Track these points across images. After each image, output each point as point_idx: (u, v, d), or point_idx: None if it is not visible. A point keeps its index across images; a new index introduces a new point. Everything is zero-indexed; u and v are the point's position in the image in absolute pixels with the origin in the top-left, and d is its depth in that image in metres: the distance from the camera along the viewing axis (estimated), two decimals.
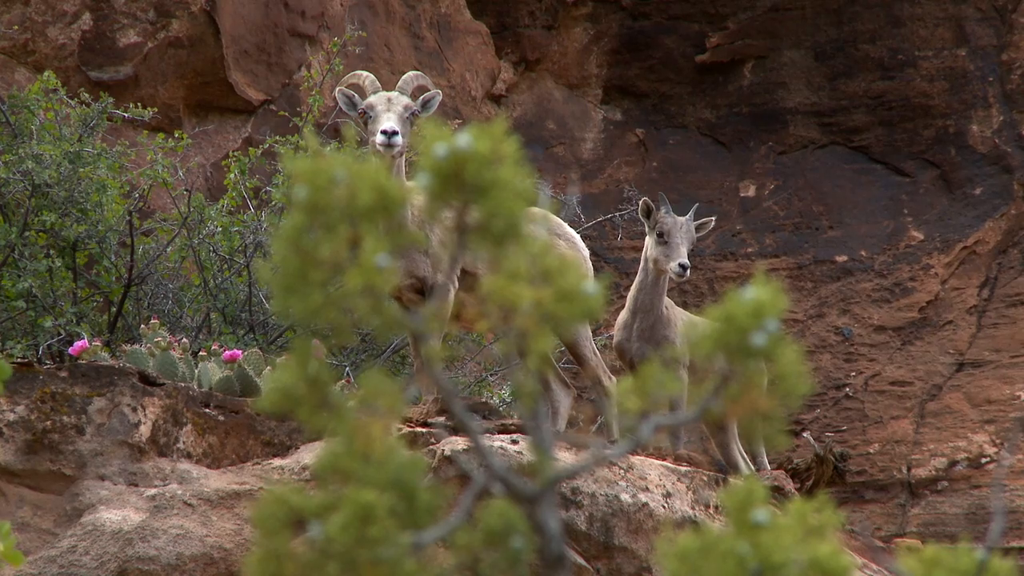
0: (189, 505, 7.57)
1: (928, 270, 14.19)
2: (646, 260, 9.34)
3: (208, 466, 7.82)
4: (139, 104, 11.01)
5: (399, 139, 8.04)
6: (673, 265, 9.16)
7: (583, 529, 7.70)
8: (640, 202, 9.39)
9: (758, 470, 9.58)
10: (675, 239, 9.21)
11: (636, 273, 9.44)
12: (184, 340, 8.71)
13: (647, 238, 9.34)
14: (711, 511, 8.04)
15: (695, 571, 3.51)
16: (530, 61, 14.56)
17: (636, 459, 7.95)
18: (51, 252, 10.10)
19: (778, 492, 8.42)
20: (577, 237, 8.95)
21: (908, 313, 14.14)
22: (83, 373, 7.77)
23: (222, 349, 8.40)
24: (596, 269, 14.08)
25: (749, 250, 14.37)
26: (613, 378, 8.86)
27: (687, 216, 9.27)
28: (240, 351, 8.35)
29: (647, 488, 7.85)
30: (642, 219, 9.33)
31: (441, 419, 7.87)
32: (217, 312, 10.34)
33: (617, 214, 13.39)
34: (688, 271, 9.17)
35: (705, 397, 3.65)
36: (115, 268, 10.21)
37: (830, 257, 14.31)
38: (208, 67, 12.49)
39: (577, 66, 14.60)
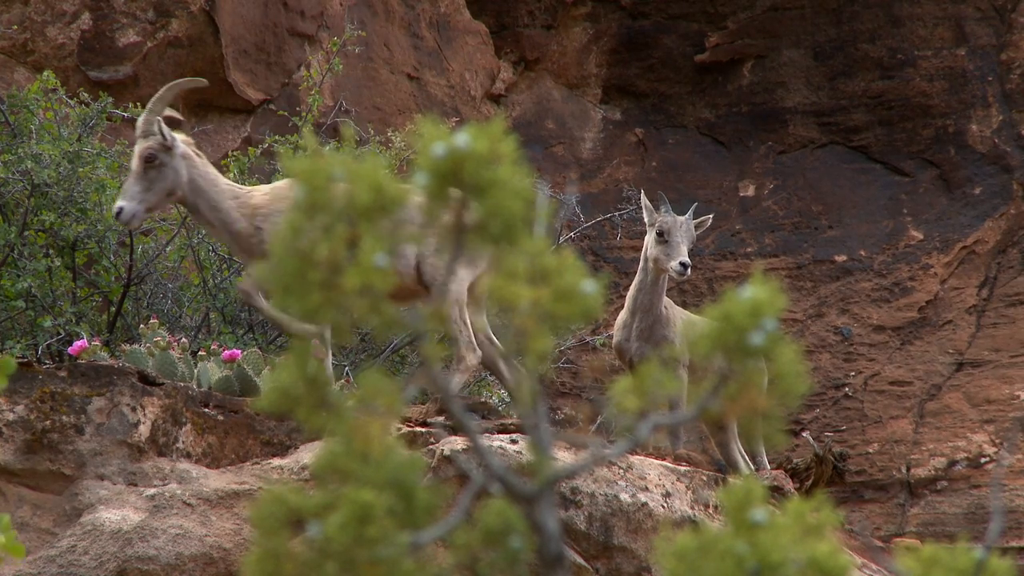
0: (188, 505, 7.57)
1: (927, 270, 14.19)
2: (646, 259, 9.33)
3: (207, 466, 7.82)
4: (138, 104, 11.02)
5: (123, 217, 8.09)
6: (674, 264, 9.16)
7: (582, 529, 7.70)
8: (641, 194, 9.41)
9: (758, 469, 9.58)
10: (675, 238, 9.21)
11: (635, 273, 9.44)
12: (183, 340, 8.70)
13: (647, 237, 9.33)
14: (710, 511, 8.04)
15: (694, 570, 3.51)
16: (529, 61, 14.56)
17: (635, 459, 7.95)
18: (50, 252, 10.10)
19: (777, 492, 8.43)
20: None
21: (907, 313, 14.15)
22: (82, 373, 7.77)
23: (221, 349, 8.40)
24: (596, 268, 14.08)
25: (748, 250, 14.37)
26: (478, 351, 8.43)
27: (687, 215, 9.27)
28: (239, 351, 8.34)
29: (646, 488, 7.86)
30: (644, 208, 9.32)
31: (440, 419, 7.87)
32: (216, 312, 10.34)
33: (616, 214, 13.38)
34: (689, 270, 9.17)
35: (704, 396, 3.65)
36: (114, 268, 10.21)
37: (829, 257, 14.31)
38: (207, 67, 12.49)
39: (576, 66, 14.60)
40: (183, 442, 7.82)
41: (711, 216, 9.45)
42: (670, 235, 9.21)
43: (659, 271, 9.26)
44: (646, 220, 9.33)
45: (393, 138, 11.32)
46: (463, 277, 8.20)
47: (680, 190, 14.20)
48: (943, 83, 14.33)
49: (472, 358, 8.20)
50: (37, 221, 10.03)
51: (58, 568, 7.43)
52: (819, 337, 14.14)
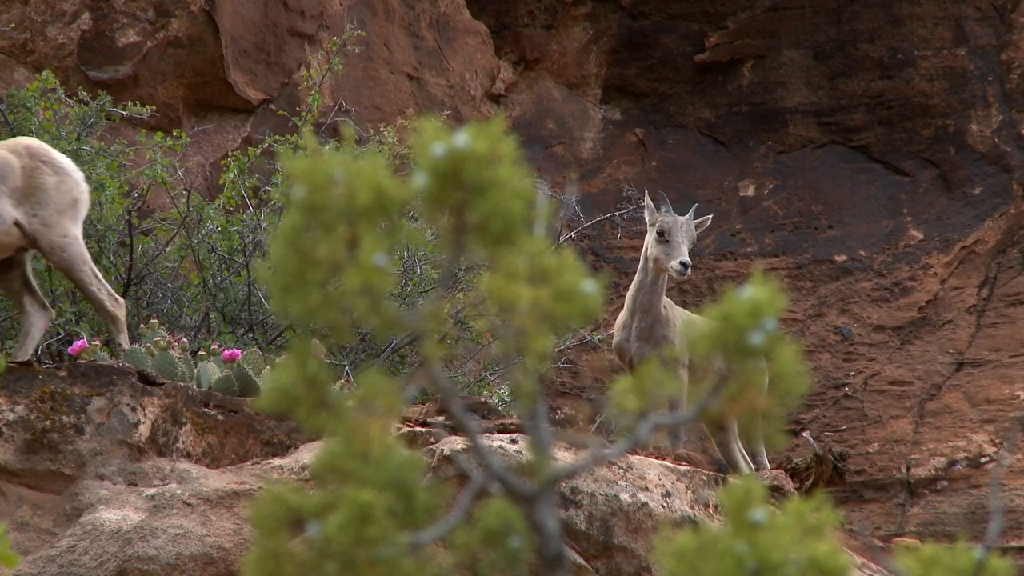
0: (188, 505, 7.57)
1: (927, 270, 14.19)
2: (646, 259, 9.33)
3: (207, 466, 7.82)
4: (138, 103, 11.01)
5: None
6: (675, 263, 9.15)
7: (582, 528, 7.70)
8: (645, 194, 9.41)
9: (758, 469, 9.58)
10: (676, 238, 9.20)
11: (635, 273, 9.43)
12: (183, 339, 8.70)
13: (647, 237, 9.33)
14: (710, 510, 8.04)
15: (693, 570, 3.51)
16: (529, 60, 14.56)
17: (635, 459, 7.95)
18: None
19: (777, 491, 8.43)
20: (70, 166, 8.43)
21: (907, 313, 14.15)
22: (82, 373, 7.77)
23: (221, 348, 8.40)
24: (596, 268, 14.08)
25: (748, 249, 14.37)
26: (121, 300, 8.47)
27: (687, 215, 9.27)
28: (239, 350, 8.34)
29: (646, 488, 7.86)
30: (645, 208, 9.31)
31: (440, 418, 7.87)
32: (216, 311, 10.34)
33: (616, 213, 13.38)
34: (689, 269, 9.17)
35: (704, 396, 3.65)
36: (114, 267, 10.21)
37: (829, 257, 14.31)
38: (207, 66, 12.49)
39: (576, 65, 14.60)
40: (183, 442, 7.82)
41: (711, 216, 9.45)
42: (670, 235, 9.20)
43: (659, 271, 9.25)
44: (647, 220, 9.32)
45: (386, 133, 11.27)
46: (79, 235, 8.29)
47: (680, 190, 14.20)
48: (943, 83, 14.33)
49: (119, 310, 8.41)
50: None
51: (58, 568, 7.43)
52: (819, 337, 14.14)
